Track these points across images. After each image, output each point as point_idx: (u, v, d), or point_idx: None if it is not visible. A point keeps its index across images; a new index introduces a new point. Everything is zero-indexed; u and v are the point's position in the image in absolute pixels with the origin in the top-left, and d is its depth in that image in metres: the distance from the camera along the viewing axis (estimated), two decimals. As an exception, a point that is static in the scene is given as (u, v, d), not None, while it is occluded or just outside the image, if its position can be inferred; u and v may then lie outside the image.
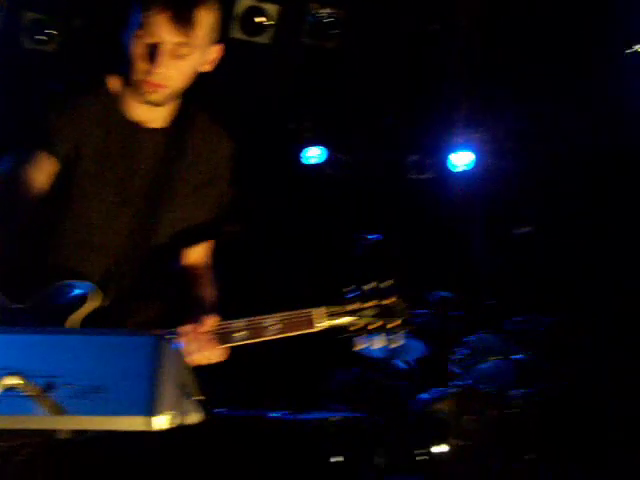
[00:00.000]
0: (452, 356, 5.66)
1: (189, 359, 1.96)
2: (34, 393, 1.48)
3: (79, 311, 2.00)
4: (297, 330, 2.04)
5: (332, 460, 4.60)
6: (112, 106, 2.20)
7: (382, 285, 2.08)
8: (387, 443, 4.85)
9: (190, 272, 2.33)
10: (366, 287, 2.07)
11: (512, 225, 6.91)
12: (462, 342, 5.73)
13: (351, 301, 2.06)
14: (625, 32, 5.56)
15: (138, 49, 2.07)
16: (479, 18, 5.41)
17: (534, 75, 6.13)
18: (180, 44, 2.06)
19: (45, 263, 2.16)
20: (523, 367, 5.45)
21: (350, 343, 2.04)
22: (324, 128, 7.04)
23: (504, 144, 7.32)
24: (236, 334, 2.03)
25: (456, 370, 5.56)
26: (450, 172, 7.40)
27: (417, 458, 4.99)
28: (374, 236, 5.18)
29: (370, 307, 2.05)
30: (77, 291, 2.04)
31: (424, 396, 5.29)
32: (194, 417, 1.73)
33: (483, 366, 5.54)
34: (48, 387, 1.49)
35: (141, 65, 2.08)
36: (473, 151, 7.28)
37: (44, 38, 5.66)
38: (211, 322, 2.01)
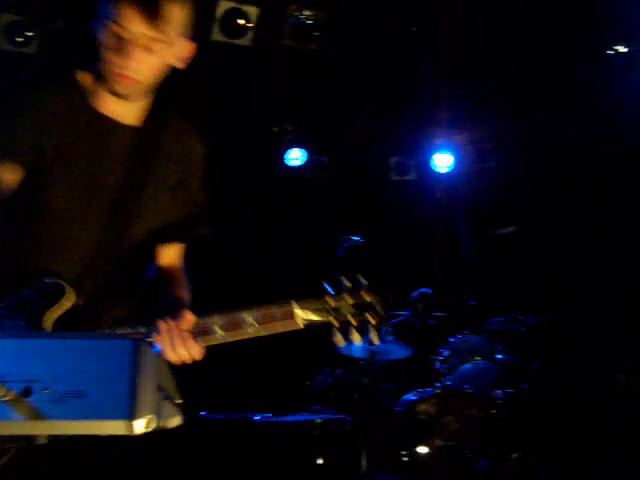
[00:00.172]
0: (435, 357, 5.68)
1: (168, 356, 1.95)
2: (11, 398, 1.46)
3: (54, 309, 1.99)
4: (277, 323, 2.02)
5: (317, 462, 4.60)
6: (82, 100, 2.17)
7: (362, 282, 2.08)
8: (371, 444, 4.86)
9: (163, 273, 2.32)
10: (346, 283, 2.07)
11: (494, 226, 6.93)
12: (445, 343, 5.75)
13: (331, 296, 2.06)
14: (607, 32, 5.59)
15: (108, 40, 2.05)
16: (461, 19, 5.43)
17: (516, 77, 6.16)
18: (150, 38, 2.05)
19: (20, 263, 2.14)
20: (505, 367, 5.48)
21: (331, 342, 2.04)
22: (306, 130, 7.04)
23: (486, 145, 7.35)
24: (215, 330, 2.00)
25: (440, 370, 5.58)
26: (432, 173, 7.42)
27: (401, 458, 5.00)
28: (356, 237, 5.18)
29: (350, 303, 2.05)
30: (52, 290, 2.02)
31: (407, 397, 5.30)
32: (174, 421, 1.72)
33: (466, 367, 5.56)
34: (26, 392, 1.48)
35: (111, 57, 2.06)
36: (454, 153, 7.31)
37: (22, 40, 5.61)
38: (189, 318, 2.00)
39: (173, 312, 2.02)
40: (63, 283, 2.05)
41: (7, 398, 1.46)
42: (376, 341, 2.06)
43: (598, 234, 6.67)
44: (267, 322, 2.01)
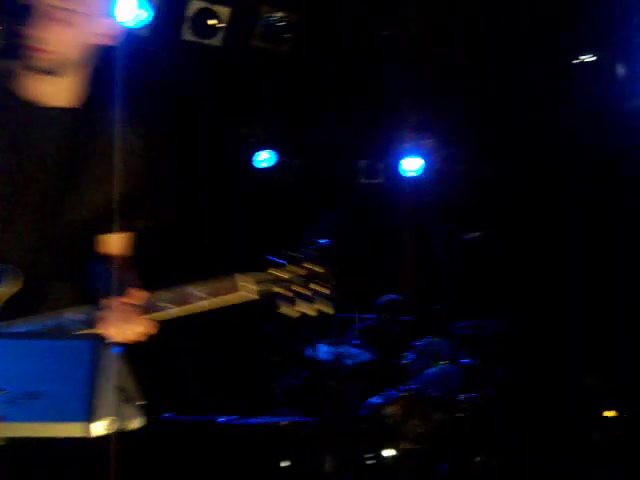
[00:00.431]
0: (401, 360, 5.70)
1: (114, 335, 1.90)
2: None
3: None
4: (223, 295, 2.01)
5: (281, 464, 4.59)
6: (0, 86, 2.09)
7: (309, 253, 2.08)
8: (335, 447, 4.86)
9: (107, 261, 2.24)
10: (293, 255, 2.07)
11: (461, 230, 6.97)
12: (410, 346, 5.77)
13: (278, 268, 2.05)
14: (573, 42, 5.66)
15: (23, 14, 2.00)
16: (430, 23, 5.46)
17: (485, 81, 6.21)
18: (58, 8, 1.99)
19: None
20: (470, 371, 5.51)
21: (280, 313, 2.04)
22: (275, 132, 7.03)
23: (455, 149, 7.40)
24: (163, 304, 1.98)
25: (405, 374, 5.60)
26: (401, 177, 7.45)
27: (365, 462, 5.01)
28: (323, 240, 5.18)
29: (297, 274, 2.05)
30: None
31: (372, 400, 5.32)
32: (135, 422, 1.70)
33: (431, 370, 5.59)
34: (-19, 393, 1.45)
35: (28, 31, 2.00)
36: (423, 156, 7.34)
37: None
38: (136, 294, 1.97)
39: (117, 290, 1.99)
40: (8, 266, 2.01)
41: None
42: (327, 310, 2.06)
43: (565, 237, 6.74)
44: (213, 294, 2.01)
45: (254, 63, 5.82)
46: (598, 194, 6.58)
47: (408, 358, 5.68)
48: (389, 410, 5.12)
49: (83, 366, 1.47)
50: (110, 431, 1.52)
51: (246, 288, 2.03)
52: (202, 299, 2.00)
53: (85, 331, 1.93)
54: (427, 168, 7.33)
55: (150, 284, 2.06)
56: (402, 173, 7.40)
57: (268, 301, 2.04)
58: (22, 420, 1.45)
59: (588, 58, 5.60)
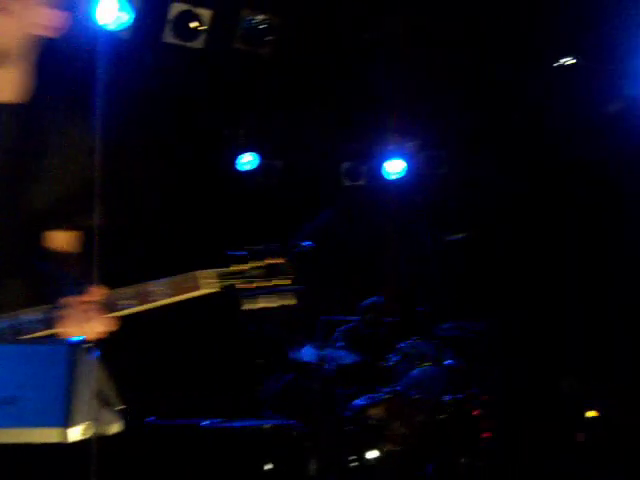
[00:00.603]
0: (385, 362, 5.70)
1: (75, 332, 1.88)
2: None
3: None
4: (185, 293, 2.00)
5: (265, 468, 4.58)
6: None
7: (270, 246, 2.08)
8: (319, 449, 4.85)
9: (57, 258, 2.19)
10: (253, 248, 2.06)
11: (445, 232, 7.00)
12: (394, 348, 5.78)
13: (239, 262, 2.04)
14: (554, 45, 5.69)
15: None
16: (414, 26, 5.47)
17: (468, 83, 6.23)
18: None
19: None
20: (454, 373, 5.52)
21: (243, 307, 2.03)
22: (258, 134, 7.02)
23: (437, 152, 7.41)
24: (122, 301, 1.96)
25: (389, 375, 5.60)
26: (384, 179, 7.45)
27: (350, 464, 5.00)
28: (306, 243, 5.18)
29: (258, 267, 2.04)
30: None
31: (356, 402, 5.32)
32: (114, 427, 1.69)
33: (415, 372, 5.59)
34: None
35: None
36: (406, 159, 7.35)
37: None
38: (96, 291, 1.95)
39: (73, 288, 1.96)
40: None
41: None
42: (289, 302, 2.07)
43: (547, 239, 6.77)
44: (174, 290, 2.00)
45: (236, 66, 5.81)
46: (585, 196, 6.62)
47: (392, 360, 5.69)
48: (373, 412, 5.13)
49: (60, 371, 1.45)
50: (88, 436, 1.50)
51: (207, 284, 2.02)
52: (163, 295, 1.99)
53: (43, 331, 1.91)
54: (410, 170, 7.34)
55: (129, 282, 2.05)
56: (385, 175, 7.40)
57: (230, 296, 2.03)
58: (-2, 425, 1.43)
59: (569, 61, 5.63)
